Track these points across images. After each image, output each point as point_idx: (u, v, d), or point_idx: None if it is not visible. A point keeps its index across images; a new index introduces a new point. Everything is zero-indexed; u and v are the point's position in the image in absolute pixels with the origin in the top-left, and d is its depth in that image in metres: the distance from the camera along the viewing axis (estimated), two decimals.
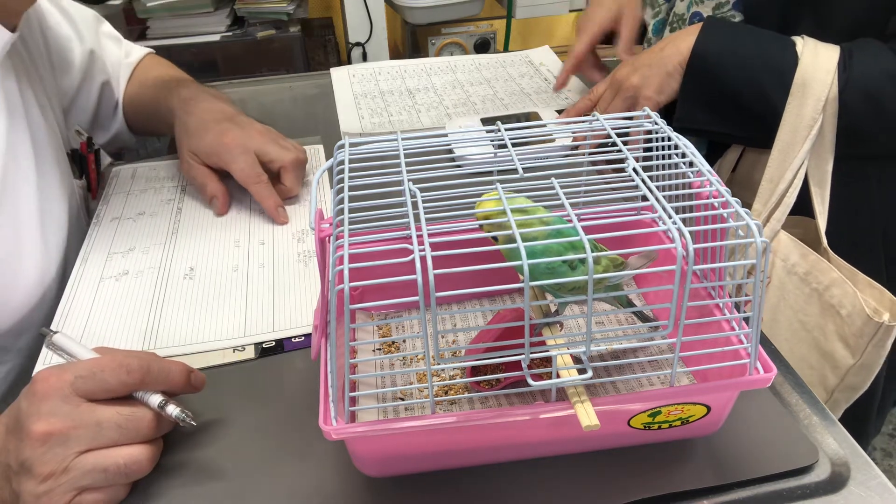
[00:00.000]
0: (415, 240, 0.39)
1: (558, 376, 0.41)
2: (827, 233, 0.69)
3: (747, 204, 0.72)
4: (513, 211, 0.41)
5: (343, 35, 1.87)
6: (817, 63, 0.66)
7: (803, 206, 0.69)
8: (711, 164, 0.78)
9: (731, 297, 0.49)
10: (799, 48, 0.67)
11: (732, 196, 0.42)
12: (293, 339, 0.59)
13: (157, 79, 0.87)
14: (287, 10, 1.60)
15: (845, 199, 0.71)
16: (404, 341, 0.56)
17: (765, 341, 0.58)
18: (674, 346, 0.41)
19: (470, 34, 1.72)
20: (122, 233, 0.73)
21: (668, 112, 0.76)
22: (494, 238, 0.45)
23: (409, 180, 0.44)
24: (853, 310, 0.66)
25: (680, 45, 0.72)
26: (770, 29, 0.70)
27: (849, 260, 0.68)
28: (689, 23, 0.76)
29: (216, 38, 1.56)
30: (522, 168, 0.44)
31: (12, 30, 0.64)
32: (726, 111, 0.71)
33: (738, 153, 0.77)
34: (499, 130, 0.49)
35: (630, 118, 0.51)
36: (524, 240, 0.38)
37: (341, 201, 0.44)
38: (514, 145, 0.47)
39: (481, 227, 0.45)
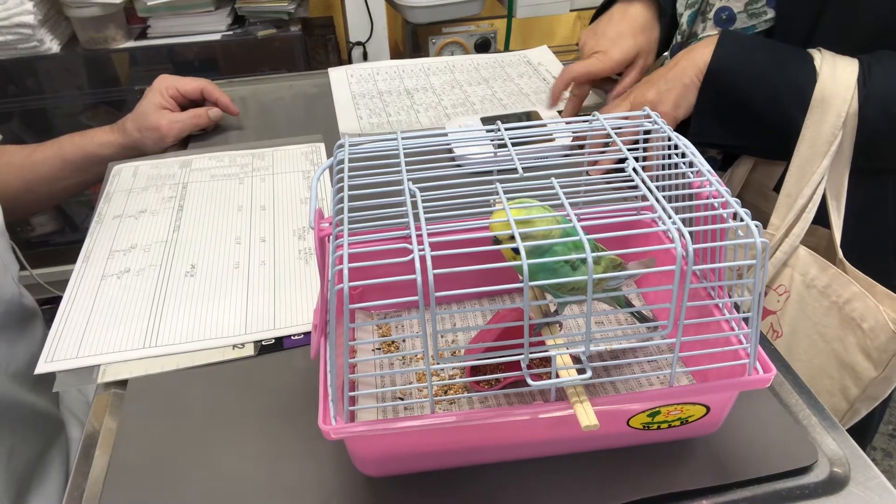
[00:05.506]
0: (414, 239, 0.39)
1: (558, 376, 0.41)
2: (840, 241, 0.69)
3: (763, 212, 0.72)
4: (519, 223, 0.41)
5: (344, 34, 1.87)
6: (836, 78, 0.65)
7: (816, 215, 0.69)
8: (723, 173, 0.78)
9: (730, 297, 0.48)
10: (817, 63, 0.66)
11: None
12: (293, 337, 0.59)
13: (36, 150, 0.87)
14: (288, 9, 1.59)
15: (859, 208, 0.70)
16: (404, 341, 0.56)
17: (765, 342, 0.58)
18: (673, 346, 0.41)
19: (471, 34, 1.72)
20: (124, 231, 0.73)
21: (683, 126, 0.76)
22: (497, 240, 0.44)
23: (408, 180, 0.44)
24: (876, 324, 0.65)
25: (696, 57, 0.71)
26: (798, 27, 0.69)
27: (861, 268, 0.67)
28: (714, 17, 0.75)
29: (217, 36, 1.56)
30: (522, 168, 0.44)
31: None
32: (743, 125, 0.70)
33: (752, 162, 0.76)
34: (498, 130, 0.49)
35: (629, 118, 0.50)
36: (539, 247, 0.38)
37: (341, 200, 0.44)
38: (513, 145, 0.47)
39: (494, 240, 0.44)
